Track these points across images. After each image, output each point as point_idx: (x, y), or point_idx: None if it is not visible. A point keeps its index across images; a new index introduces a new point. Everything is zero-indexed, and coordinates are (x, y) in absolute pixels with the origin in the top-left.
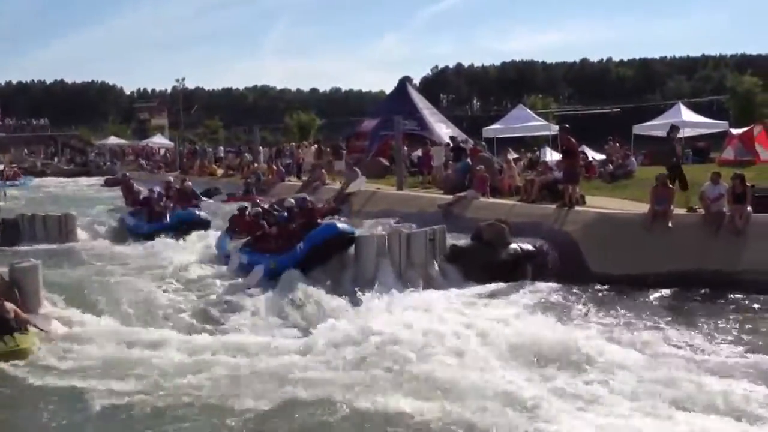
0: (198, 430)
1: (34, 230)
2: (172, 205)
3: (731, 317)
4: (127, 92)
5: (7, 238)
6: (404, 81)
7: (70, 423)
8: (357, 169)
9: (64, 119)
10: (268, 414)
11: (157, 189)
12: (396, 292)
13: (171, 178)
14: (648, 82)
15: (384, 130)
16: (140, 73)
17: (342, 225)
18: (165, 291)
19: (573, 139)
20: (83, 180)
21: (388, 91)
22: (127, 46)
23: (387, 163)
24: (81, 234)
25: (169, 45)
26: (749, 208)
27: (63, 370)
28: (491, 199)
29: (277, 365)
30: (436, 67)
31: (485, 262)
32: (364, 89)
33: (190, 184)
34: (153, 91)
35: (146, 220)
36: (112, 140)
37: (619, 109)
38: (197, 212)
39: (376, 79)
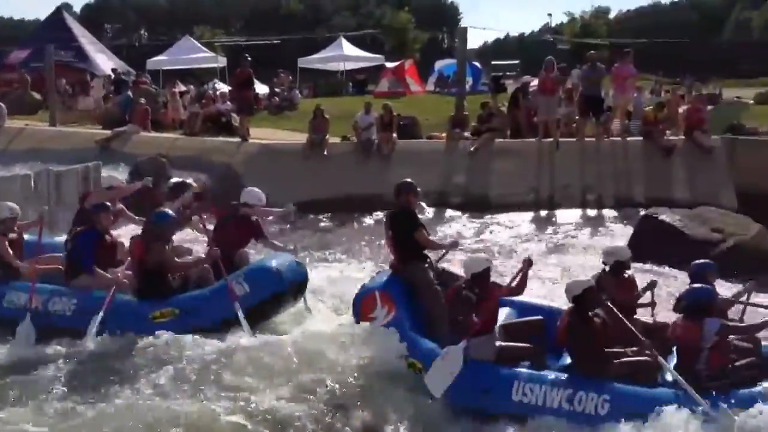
0: None
1: None
2: None
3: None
4: None
5: None
6: (60, 8)
7: None
8: (2, 105)
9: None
10: None
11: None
12: None
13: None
14: (315, 17)
15: (36, 61)
16: None
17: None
18: None
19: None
20: None
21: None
22: None
23: (40, 98)
24: None
25: None
26: (395, 135)
27: None
28: (153, 134)
29: None
30: None
31: None
32: (16, 17)
33: None
34: None
35: None
36: None
37: (279, 41)
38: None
39: (31, 5)
